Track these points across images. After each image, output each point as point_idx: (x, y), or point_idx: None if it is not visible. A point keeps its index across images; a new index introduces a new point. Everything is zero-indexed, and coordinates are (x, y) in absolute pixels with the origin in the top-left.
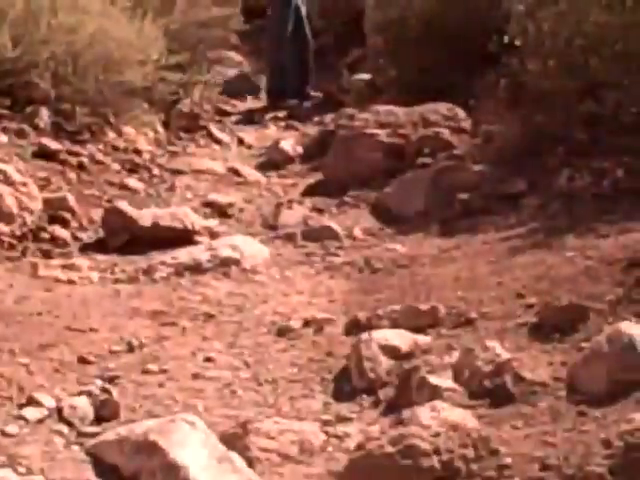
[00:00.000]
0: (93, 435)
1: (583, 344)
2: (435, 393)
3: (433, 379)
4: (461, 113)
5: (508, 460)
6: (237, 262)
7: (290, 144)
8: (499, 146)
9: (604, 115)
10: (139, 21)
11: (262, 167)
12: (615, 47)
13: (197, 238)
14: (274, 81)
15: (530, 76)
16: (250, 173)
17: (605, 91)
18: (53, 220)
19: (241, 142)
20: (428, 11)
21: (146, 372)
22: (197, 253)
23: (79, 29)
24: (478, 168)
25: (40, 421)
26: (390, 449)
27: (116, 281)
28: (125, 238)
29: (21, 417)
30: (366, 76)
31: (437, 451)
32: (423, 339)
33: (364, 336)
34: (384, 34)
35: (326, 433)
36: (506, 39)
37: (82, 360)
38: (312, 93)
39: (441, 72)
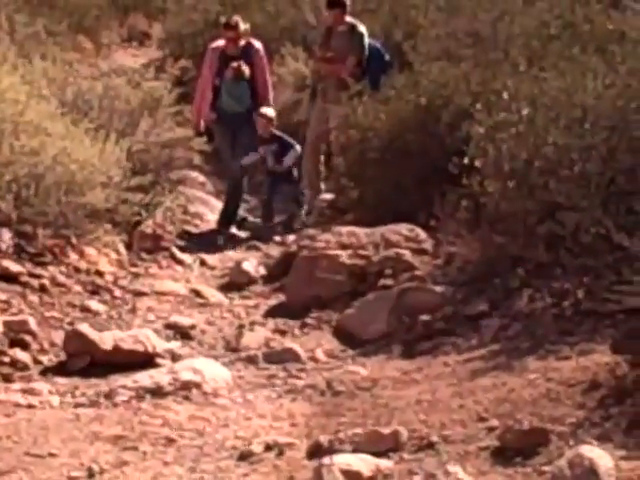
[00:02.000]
0: None
1: (545, 468)
2: None
3: None
4: (422, 234)
5: None
6: (198, 385)
7: (252, 265)
8: (460, 267)
9: (564, 236)
10: (102, 143)
11: (224, 288)
12: (574, 169)
13: (158, 361)
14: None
15: (490, 197)
16: (212, 294)
17: (565, 212)
18: (14, 343)
19: (203, 263)
20: (389, 133)
21: None
22: (158, 376)
23: (41, 151)
24: (439, 289)
25: None
26: None
27: (77, 405)
28: (86, 361)
29: None
30: (329, 196)
31: None
32: (385, 463)
33: (326, 461)
34: (346, 155)
35: None
36: (466, 160)
37: None
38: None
39: (402, 193)
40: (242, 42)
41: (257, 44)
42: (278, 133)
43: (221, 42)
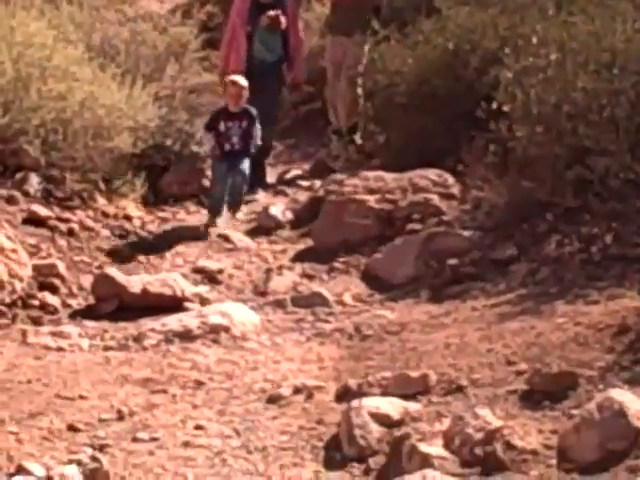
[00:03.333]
0: None
1: (574, 411)
2: (426, 461)
3: (424, 447)
4: (450, 179)
5: None
6: (227, 329)
7: (280, 210)
8: (488, 212)
9: (592, 181)
10: (129, 88)
11: (252, 233)
12: (603, 113)
13: (187, 305)
14: None
15: (518, 142)
16: (240, 239)
17: (593, 157)
18: (43, 287)
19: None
20: (417, 78)
21: (136, 440)
22: (187, 320)
23: (69, 96)
24: (467, 234)
25: None
26: None
27: (106, 348)
28: (115, 305)
29: None
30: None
31: None
32: (413, 406)
33: (354, 404)
34: (373, 100)
35: None
36: (494, 105)
37: (72, 428)
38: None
39: (430, 138)
40: None
41: None
42: (247, 106)
43: None
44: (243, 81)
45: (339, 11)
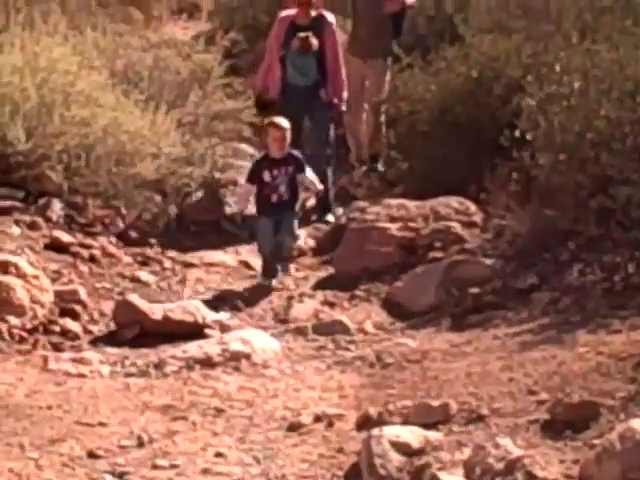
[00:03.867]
0: None
1: (595, 441)
2: None
3: (444, 476)
4: (472, 207)
5: None
6: (248, 356)
7: (302, 237)
8: (510, 240)
9: (615, 210)
10: (152, 114)
11: None
12: (626, 142)
13: (208, 331)
14: None
15: (541, 170)
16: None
17: (616, 186)
18: (64, 313)
19: (252, 235)
20: (439, 105)
21: (156, 467)
22: (208, 347)
23: (92, 122)
24: (489, 262)
25: None
26: None
27: (126, 375)
28: (136, 331)
29: None
30: (378, 169)
31: None
32: (434, 435)
33: (375, 432)
34: (396, 128)
35: None
36: (517, 133)
37: (92, 455)
38: None
39: (452, 166)
40: (313, 13)
41: (330, 16)
42: (291, 151)
43: (292, 12)
44: (285, 123)
45: (359, 28)
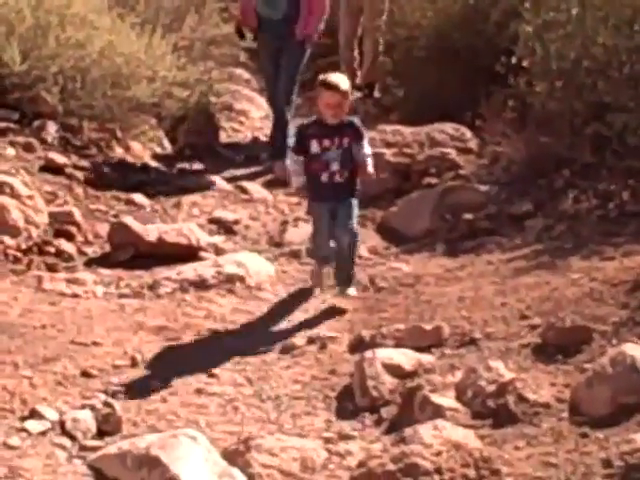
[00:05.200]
0: (95, 449)
1: (586, 365)
2: (438, 412)
3: (436, 398)
4: (468, 133)
5: None
6: (242, 279)
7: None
8: (505, 167)
9: (610, 137)
10: (148, 37)
11: (269, 185)
12: (623, 70)
13: (202, 254)
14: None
15: (537, 97)
16: (257, 190)
17: (612, 114)
18: (59, 234)
19: (248, 159)
20: (436, 31)
21: (149, 387)
22: (202, 269)
23: (88, 44)
24: (484, 188)
25: (42, 434)
26: (391, 467)
27: (121, 296)
28: (130, 253)
29: (23, 429)
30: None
31: (438, 470)
32: (427, 358)
33: (368, 354)
34: (392, 53)
35: (328, 450)
36: (514, 60)
37: (85, 374)
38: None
39: (448, 92)
40: None
41: None
42: (351, 119)
43: None
44: (344, 83)
45: None
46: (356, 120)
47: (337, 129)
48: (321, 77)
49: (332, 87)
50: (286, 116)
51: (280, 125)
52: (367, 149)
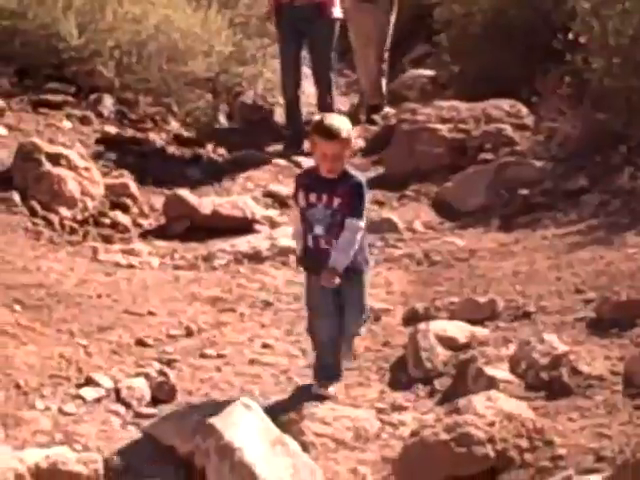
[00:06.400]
0: (149, 416)
1: None
2: (491, 384)
3: (489, 370)
4: (524, 110)
5: (562, 451)
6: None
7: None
8: (561, 143)
9: None
10: (204, 12)
11: None
12: None
13: (257, 227)
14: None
15: (594, 74)
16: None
17: None
18: (114, 206)
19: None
20: (493, 8)
21: (204, 356)
22: (256, 242)
23: (144, 19)
24: (540, 164)
25: (97, 401)
26: (444, 436)
27: (176, 267)
28: (185, 225)
29: (79, 397)
30: (429, 72)
31: (491, 440)
32: (480, 331)
33: (421, 327)
34: (449, 30)
35: (381, 421)
36: (571, 36)
37: (140, 343)
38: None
39: (504, 69)
40: None
41: None
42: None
43: None
44: (346, 129)
45: None
46: (359, 177)
47: (330, 183)
48: (316, 119)
49: (331, 136)
50: (298, 111)
51: (290, 113)
52: (347, 236)
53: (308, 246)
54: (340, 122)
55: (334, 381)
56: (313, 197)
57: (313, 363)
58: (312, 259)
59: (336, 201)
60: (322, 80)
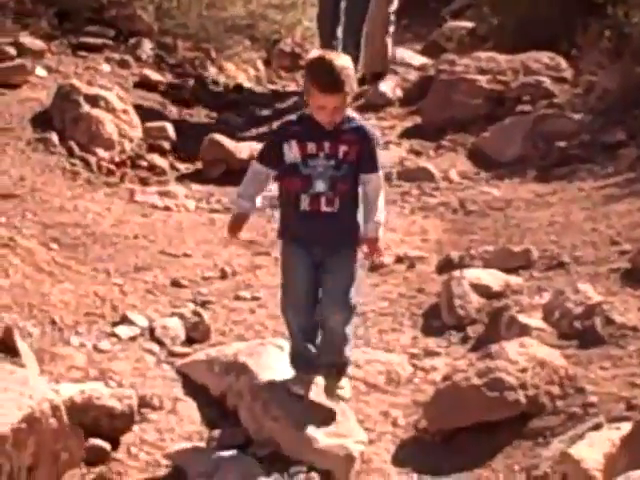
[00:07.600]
0: (183, 355)
1: None
2: (524, 332)
3: (523, 318)
4: (563, 63)
5: (594, 399)
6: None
7: (390, 87)
8: (600, 96)
9: None
10: None
11: (361, 109)
12: None
13: None
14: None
15: (634, 28)
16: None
17: None
18: (152, 149)
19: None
20: None
21: (238, 298)
22: None
23: None
24: (578, 117)
25: (132, 339)
26: (476, 381)
27: (212, 210)
28: (222, 169)
29: (114, 334)
30: (469, 24)
31: (523, 386)
32: (515, 280)
33: (456, 274)
34: None
35: (413, 365)
36: None
37: (175, 284)
38: None
39: (544, 22)
40: None
41: None
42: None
43: None
44: (347, 80)
45: None
46: (366, 126)
47: (332, 132)
48: (312, 62)
49: (330, 89)
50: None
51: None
52: (380, 193)
53: (300, 210)
54: (341, 69)
55: (311, 373)
56: (312, 147)
57: (290, 352)
58: (310, 225)
59: (341, 149)
60: (348, 36)
